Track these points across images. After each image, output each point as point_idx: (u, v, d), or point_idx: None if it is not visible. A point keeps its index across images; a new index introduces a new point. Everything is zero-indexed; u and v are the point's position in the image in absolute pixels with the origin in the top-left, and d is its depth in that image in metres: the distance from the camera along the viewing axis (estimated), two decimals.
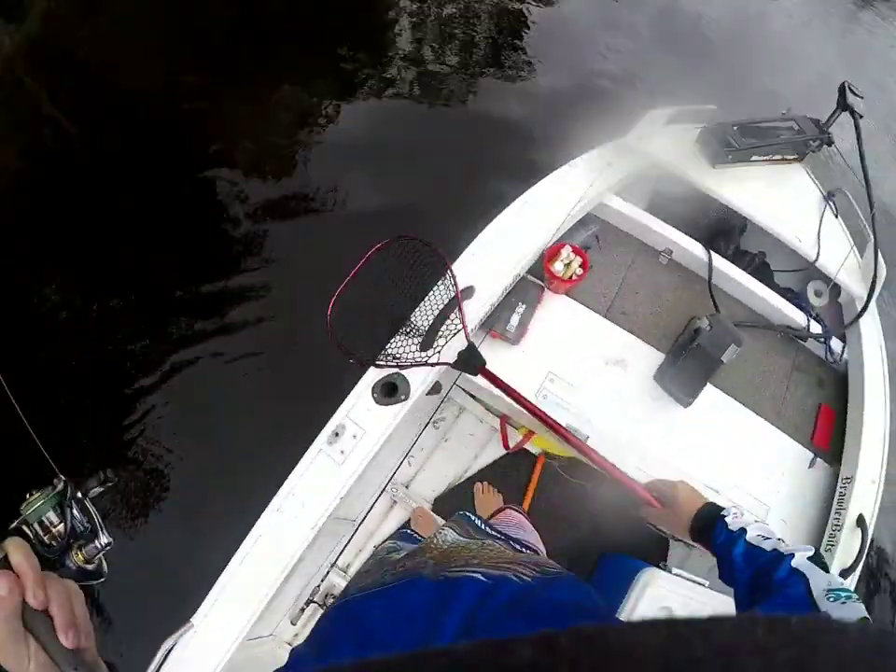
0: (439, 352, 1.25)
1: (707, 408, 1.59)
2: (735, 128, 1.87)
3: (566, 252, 1.59)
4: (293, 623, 1.59)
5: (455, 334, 1.26)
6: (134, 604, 1.90)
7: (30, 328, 2.51)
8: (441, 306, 1.32)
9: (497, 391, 1.25)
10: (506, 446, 2.05)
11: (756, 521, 0.75)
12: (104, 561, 0.47)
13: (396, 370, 1.30)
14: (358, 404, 1.31)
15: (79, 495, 0.48)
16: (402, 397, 1.31)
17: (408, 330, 1.33)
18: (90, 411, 2.38)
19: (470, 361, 1.23)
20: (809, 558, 0.64)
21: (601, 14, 4.26)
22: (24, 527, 0.45)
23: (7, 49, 3.23)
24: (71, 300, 2.60)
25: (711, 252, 1.82)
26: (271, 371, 2.42)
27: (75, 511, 0.47)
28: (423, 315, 1.33)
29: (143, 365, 2.45)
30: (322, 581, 1.71)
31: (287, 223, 2.87)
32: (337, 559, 1.59)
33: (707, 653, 0.18)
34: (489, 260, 1.45)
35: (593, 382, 1.56)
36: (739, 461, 1.57)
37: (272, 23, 3.57)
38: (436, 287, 1.33)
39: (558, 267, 1.58)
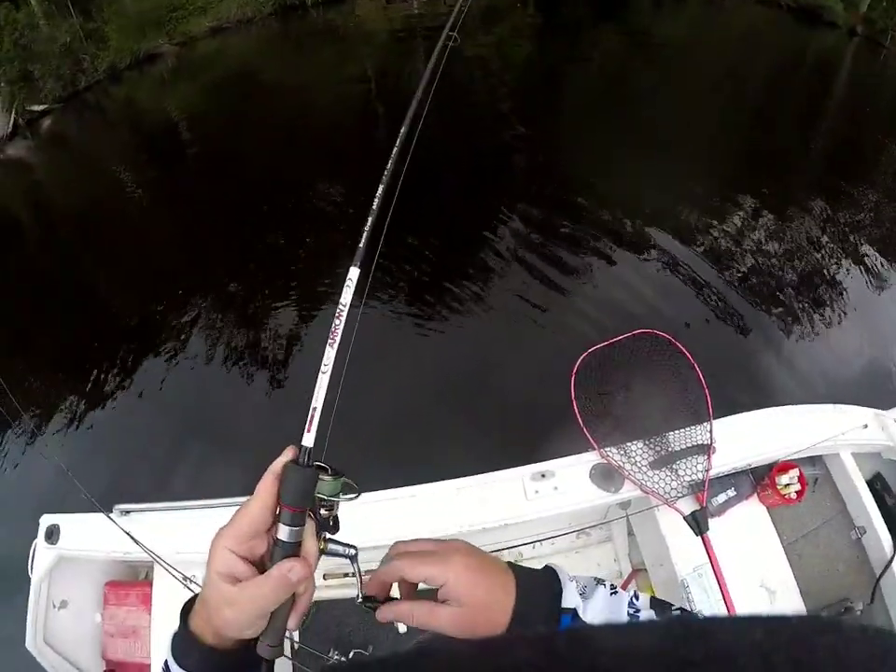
0: (677, 497, 1.37)
1: None
2: None
3: (794, 473, 1.65)
4: None
5: (691, 491, 1.37)
6: None
7: None
8: (688, 444, 1.44)
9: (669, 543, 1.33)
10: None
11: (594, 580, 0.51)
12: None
13: (630, 481, 1.42)
14: (574, 468, 1.44)
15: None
16: (612, 490, 1.43)
17: (649, 442, 1.46)
18: None
19: (700, 524, 1.32)
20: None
21: None
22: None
23: None
24: None
25: None
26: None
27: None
28: (670, 440, 1.45)
29: None
30: None
31: None
32: None
33: (706, 655, 0.18)
34: (740, 436, 1.55)
35: (736, 594, 1.53)
36: None
37: None
38: (693, 427, 1.46)
39: (783, 480, 1.63)
